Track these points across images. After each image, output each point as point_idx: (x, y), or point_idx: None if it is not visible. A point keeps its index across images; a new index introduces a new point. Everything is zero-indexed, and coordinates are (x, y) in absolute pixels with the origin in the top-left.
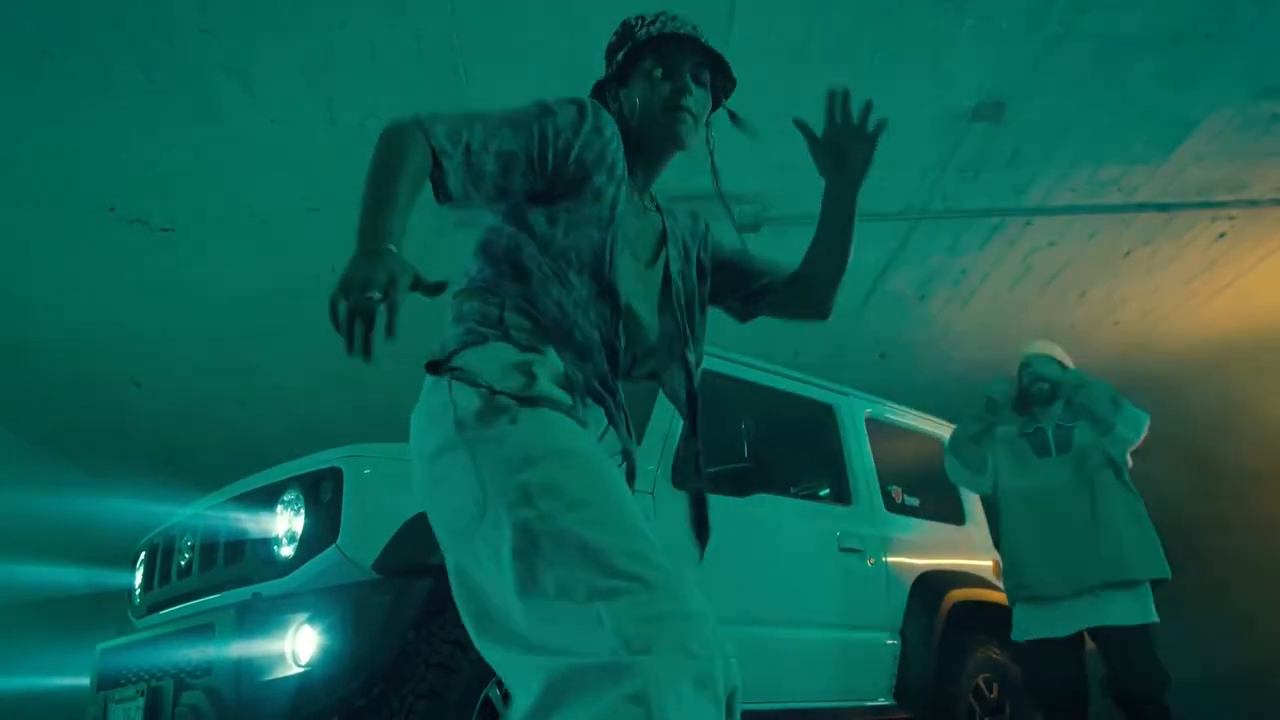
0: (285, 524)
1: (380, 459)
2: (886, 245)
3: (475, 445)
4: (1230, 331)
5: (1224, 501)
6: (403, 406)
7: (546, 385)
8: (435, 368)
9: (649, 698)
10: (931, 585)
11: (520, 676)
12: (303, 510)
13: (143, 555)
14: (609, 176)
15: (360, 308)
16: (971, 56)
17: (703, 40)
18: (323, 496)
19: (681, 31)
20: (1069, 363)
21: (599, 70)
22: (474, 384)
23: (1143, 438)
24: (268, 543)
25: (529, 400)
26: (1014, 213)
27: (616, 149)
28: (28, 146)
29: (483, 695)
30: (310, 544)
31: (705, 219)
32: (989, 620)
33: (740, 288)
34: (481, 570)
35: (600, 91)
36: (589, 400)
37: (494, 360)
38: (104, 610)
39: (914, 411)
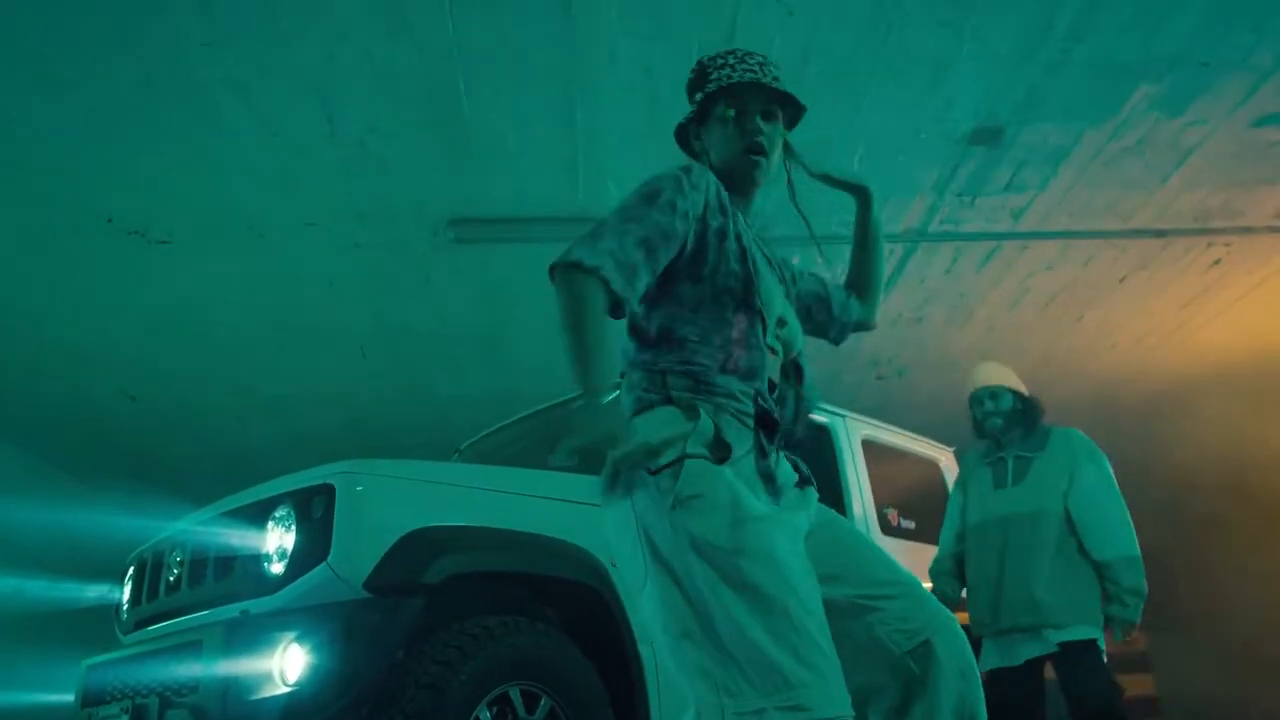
0: (276, 540)
1: (373, 476)
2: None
3: None
4: (1226, 356)
5: (1221, 525)
6: (397, 423)
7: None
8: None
9: None
10: None
11: None
12: (294, 527)
13: (131, 570)
14: (723, 215)
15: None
16: (970, 81)
17: (768, 82)
18: (314, 513)
19: (748, 80)
20: (1022, 388)
21: (597, 88)
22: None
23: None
24: (258, 559)
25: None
26: (1011, 236)
27: (716, 189)
28: (27, 155)
29: (472, 716)
30: (301, 561)
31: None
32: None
33: (828, 313)
34: None
35: (684, 129)
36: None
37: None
38: (91, 625)
39: (911, 434)
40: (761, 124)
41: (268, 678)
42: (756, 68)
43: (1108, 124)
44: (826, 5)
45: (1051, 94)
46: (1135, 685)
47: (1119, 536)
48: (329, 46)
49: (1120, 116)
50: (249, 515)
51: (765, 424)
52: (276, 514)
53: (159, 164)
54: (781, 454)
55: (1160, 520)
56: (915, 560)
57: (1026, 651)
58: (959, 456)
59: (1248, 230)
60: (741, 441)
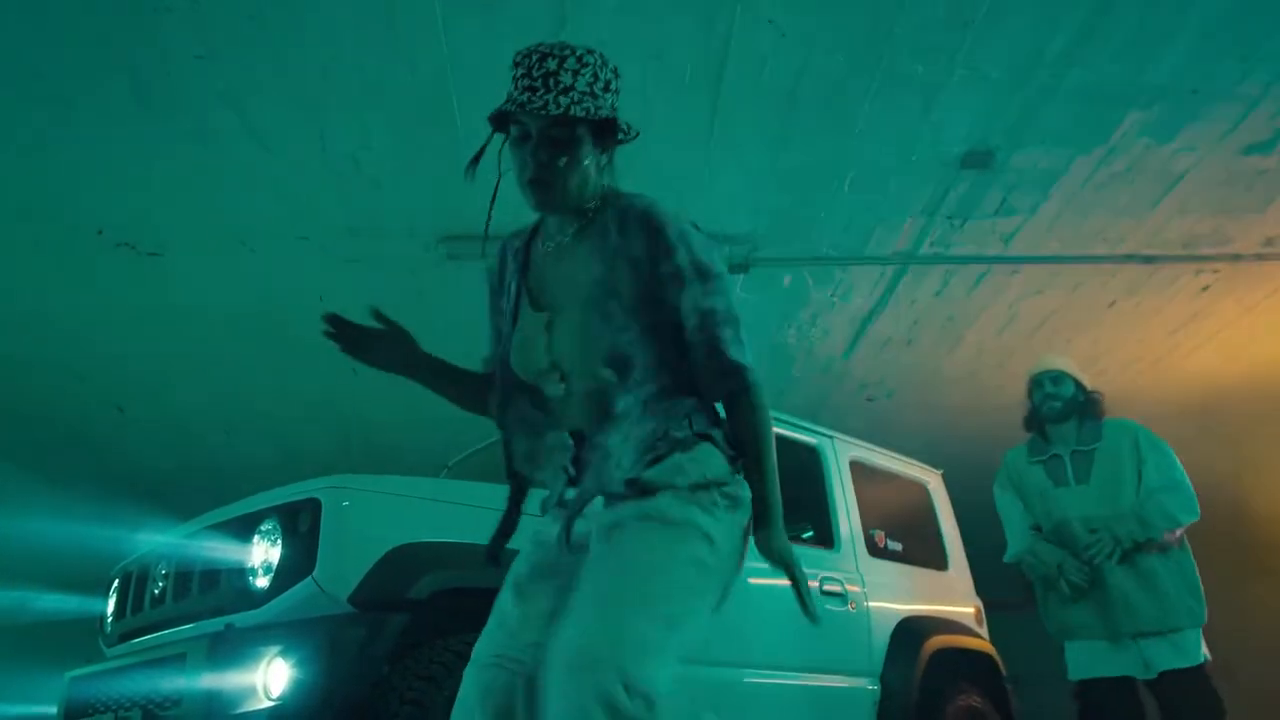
0: (261, 554)
1: (360, 491)
2: (874, 290)
3: None
4: (1214, 383)
5: (1213, 552)
6: (386, 438)
7: None
8: None
9: None
10: (913, 631)
11: None
12: (279, 541)
13: (116, 582)
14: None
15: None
16: (961, 105)
17: (537, 109)
18: (300, 527)
19: (513, 107)
20: (1085, 380)
21: None
22: None
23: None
24: (243, 573)
25: None
26: (1001, 260)
27: (500, 254)
28: (17, 166)
29: None
30: (286, 575)
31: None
32: (970, 667)
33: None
34: None
35: None
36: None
37: None
38: (75, 637)
39: (900, 456)
40: (541, 152)
41: (251, 692)
42: (538, 84)
43: (1098, 150)
44: (819, 28)
45: (1042, 119)
46: None
47: (1187, 496)
48: (321, 61)
49: (1110, 142)
50: (235, 529)
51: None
52: (262, 528)
53: (150, 176)
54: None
55: None
56: (901, 583)
57: (1127, 666)
58: (946, 478)
59: (1236, 257)
60: None
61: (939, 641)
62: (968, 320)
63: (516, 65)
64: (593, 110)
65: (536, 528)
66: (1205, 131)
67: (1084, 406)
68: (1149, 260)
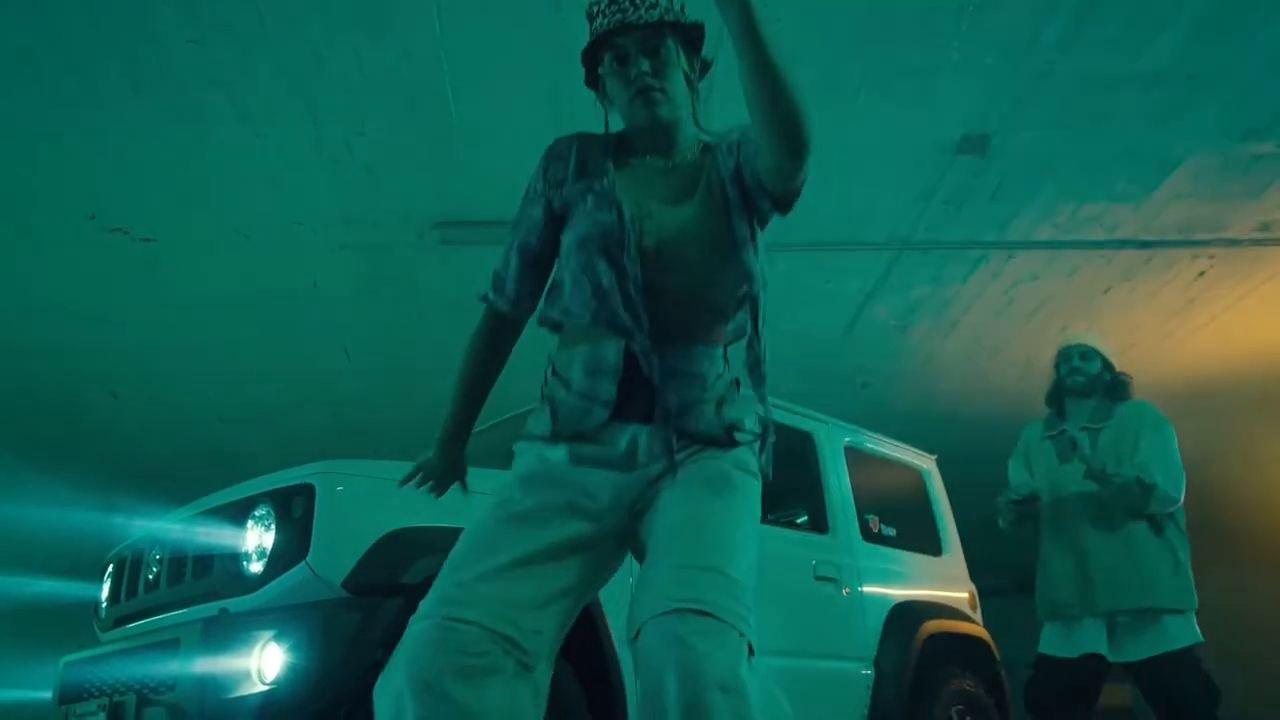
0: (255, 539)
1: (354, 476)
2: (870, 275)
3: None
4: (1209, 369)
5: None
6: (380, 425)
7: None
8: None
9: None
10: (906, 616)
11: None
12: (273, 526)
13: (111, 567)
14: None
15: None
16: (957, 90)
17: (636, 20)
18: (294, 512)
19: (613, 25)
20: (1114, 360)
21: (585, 91)
22: None
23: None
24: (237, 558)
25: None
26: (997, 246)
27: (571, 148)
28: (8, 151)
29: None
30: (280, 560)
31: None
32: (963, 652)
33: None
34: None
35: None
36: None
37: None
38: (70, 622)
39: (894, 441)
40: (644, 62)
41: (245, 676)
42: (627, 6)
43: (1093, 135)
44: (814, 13)
45: (1038, 104)
46: (1112, 696)
47: (1174, 475)
48: (314, 47)
49: (1106, 128)
50: (229, 514)
51: None
52: (256, 513)
53: (143, 162)
54: None
55: None
56: (895, 568)
57: (1099, 645)
58: (941, 464)
59: (1233, 242)
60: None
61: (933, 626)
62: (963, 306)
63: (595, 5)
64: (679, 11)
65: (539, 453)
66: (1202, 116)
67: (1109, 386)
68: (1145, 245)
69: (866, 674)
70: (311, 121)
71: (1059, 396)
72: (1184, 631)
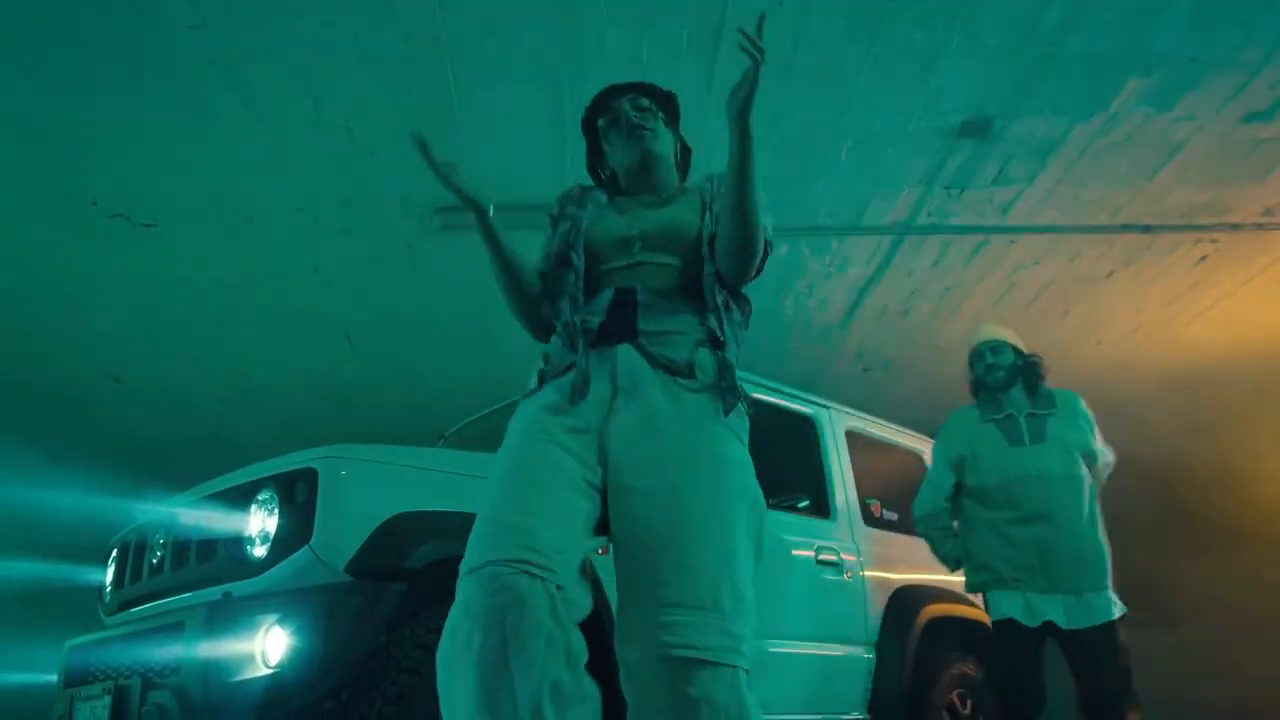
0: (259, 524)
1: (356, 460)
2: (872, 259)
3: None
4: (1212, 353)
5: (1207, 521)
6: (382, 409)
7: None
8: None
9: None
10: (908, 600)
11: None
12: (277, 510)
13: (115, 552)
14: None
15: None
16: (959, 74)
17: (622, 84)
18: (297, 497)
19: (604, 90)
20: (1022, 345)
21: (584, 73)
22: None
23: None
24: (240, 542)
25: None
26: (999, 230)
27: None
28: (10, 137)
29: None
30: (283, 544)
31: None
32: (964, 635)
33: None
34: None
35: (593, 166)
36: None
37: None
38: (75, 606)
39: (895, 426)
40: (631, 110)
41: (249, 660)
42: (613, 84)
43: (1096, 119)
44: None
45: (1041, 88)
46: None
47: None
48: (315, 31)
49: (1109, 111)
50: (232, 498)
51: None
52: (259, 497)
53: (144, 146)
54: None
55: (1142, 515)
56: (897, 552)
57: (1050, 614)
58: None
59: (1235, 227)
60: None
61: (934, 610)
62: (965, 290)
63: (597, 100)
64: (658, 89)
65: (555, 386)
66: (1204, 100)
67: (1026, 371)
68: (1147, 230)
69: (868, 658)
70: (312, 105)
71: (981, 392)
72: (1114, 605)
